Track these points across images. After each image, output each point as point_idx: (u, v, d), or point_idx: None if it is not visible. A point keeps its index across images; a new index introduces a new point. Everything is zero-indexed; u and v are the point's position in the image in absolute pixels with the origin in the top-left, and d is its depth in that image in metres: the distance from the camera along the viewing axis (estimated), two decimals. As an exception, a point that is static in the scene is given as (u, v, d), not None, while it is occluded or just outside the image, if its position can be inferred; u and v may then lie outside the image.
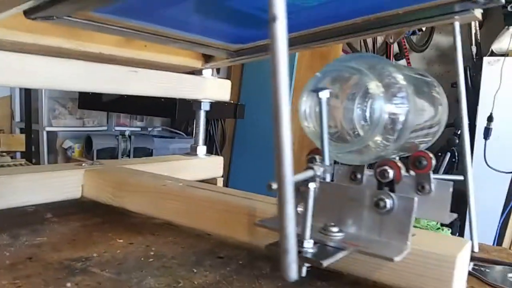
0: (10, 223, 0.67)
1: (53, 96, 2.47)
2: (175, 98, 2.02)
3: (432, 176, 0.53)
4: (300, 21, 0.69)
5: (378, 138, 0.42)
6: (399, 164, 0.45)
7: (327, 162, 0.41)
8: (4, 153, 2.21)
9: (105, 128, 2.68)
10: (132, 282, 0.50)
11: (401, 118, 0.42)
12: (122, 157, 2.24)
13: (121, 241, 0.63)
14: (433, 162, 0.52)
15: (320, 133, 0.41)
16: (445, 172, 2.99)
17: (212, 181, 1.01)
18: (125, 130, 2.53)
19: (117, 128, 2.70)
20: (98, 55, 0.75)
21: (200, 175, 0.98)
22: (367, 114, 0.42)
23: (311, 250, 0.40)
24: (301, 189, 0.43)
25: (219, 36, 0.80)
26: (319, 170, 0.40)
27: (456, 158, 3.11)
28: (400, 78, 0.42)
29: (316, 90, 0.40)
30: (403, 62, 3.71)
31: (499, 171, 1.54)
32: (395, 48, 3.75)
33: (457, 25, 0.71)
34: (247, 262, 0.58)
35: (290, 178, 0.26)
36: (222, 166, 1.04)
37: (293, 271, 0.27)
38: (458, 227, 2.63)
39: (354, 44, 3.74)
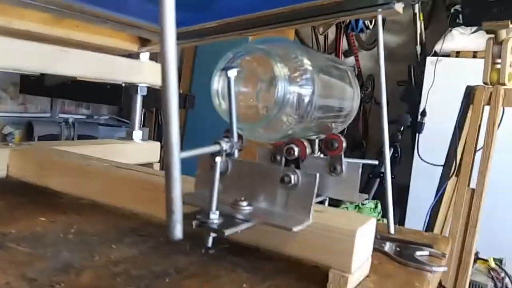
0: None
1: (-8, 80, 2.37)
2: (121, 86, 1.99)
3: (344, 158, 0.56)
4: (230, 7, 0.70)
5: (284, 117, 0.44)
6: (305, 143, 0.47)
7: (235, 138, 0.43)
8: None
9: (48, 115, 2.60)
10: (47, 256, 0.50)
11: (306, 99, 0.44)
12: (65, 144, 2.17)
13: (43, 219, 0.63)
14: (344, 145, 0.55)
15: (229, 110, 0.43)
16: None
17: (148, 166, 1.02)
18: (68, 117, 2.46)
19: (61, 115, 2.63)
20: (27, 32, 0.74)
21: (136, 159, 0.98)
22: (273, 93, 0.44)
23: (216, 221, 0.42)
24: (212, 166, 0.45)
25: (154, 18, 0.80)
26: (226, 145, 0.42)
27: (399, 153, 3.24)
28: (306, 62, 0.45)
29: (225, 69, 0.41)
30: (351, 59, 3.81)
31: (431, 163, 1.62)
32: (344, 45, 3.85)
33: (379, 18, 0.75)
34: (167, 239, 0.59)
35: (176, 143, 0.28)
36: (159, 151, 1.04)
37: (178, 231, 0.29)
38: (397, 219, 2.75)
39: (306, 40, 3.81)
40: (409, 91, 3.38)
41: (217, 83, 0.46)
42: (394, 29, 3.85)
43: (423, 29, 3.45)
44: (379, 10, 0.74)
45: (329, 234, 0.48)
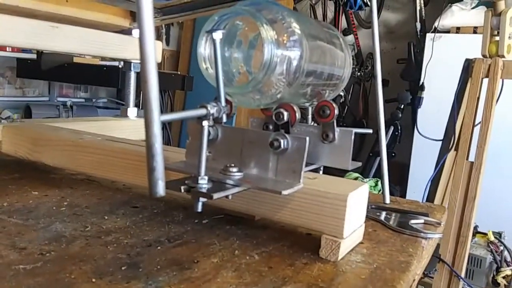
0: None
1: (-11, 65, 2.36)
2: (118, 67, 1.98)
3: (335, 125, 0.56)
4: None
5: (272, 80, 0.43)
6: (295, 108, 0.47)
7: (222, 102, 0.42)
8: None
9: (46, 98, 2.59)
10: (38, 227, 0.50)
11: (294, 62, 0.43)
12: (63, 128, 2.17)
13: (36, 193, 0.63)
14: (336, 112, 0.54)
15: (215, 74, 0.42)
16: (389, 144, 3.11)
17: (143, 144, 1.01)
18: (67, 101, 2.45)
19: (60, 99, 2.62)
20: (15, 8, 0.73)
21: (131, 136, 0.97)
22: (261, 56, 0.43)
23: (205, 186, 0.41)
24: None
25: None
26: (212, 109, 0.41)
27: (399, 131, 3.23)
28: (294, 25, 0.44)
29: (210, 31, 0.41)
30: (351, 37, 3.78)
31: (430, 138, 1.61)
32: (343, 23, 3.81)
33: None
34: (161, 211, 0.59)
35: (155, 97, 0.28)
36: (155, 128, 1.03)
37: (160, 188, 0.28)
38: (398, 195, 2.76)
39: (305, 19, 3.76)
40: (409, 69, 3.36)
41: (203, 47, 0.45)
42: (394, 7, 3.81)
43: (422, 5, 3.41)
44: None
45: (321, 200, 0.48)
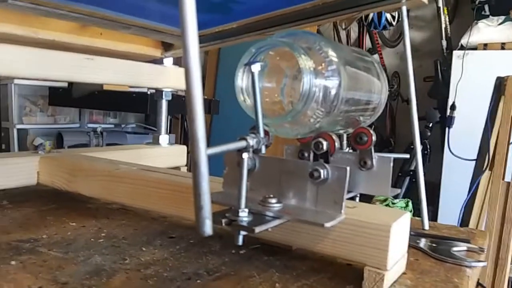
0: (-38, 211, 0.67)
1: (23, 93, 2.44)
2: (146, 94, 2.02)
3: (373, 152, 0.55)
4: (247, 7, 0.70)
5: (311, 111, 0.43)
6: (334, 136, 0.46)
7: (261, 133, 0.42)
8: (-27, 152, 2.18)
9: (77, 125, 2.65)
10: (78, 260, 0.50)
11: (332, 91, 0.43)
12: (94, 154, 2.22)
13: (73, 224, 0.63)
14: (374, 138, 0.53)
15: (254, 106, 0.42)
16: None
17: (176, 170, 1.02)
18: (97, 127, 2.50)
19: (90, 125, 2.68)
20: (52, 42, 0.75)
21: (163, 163, 0.98)
22: (299, 87, 0.43)
23: (246, 219, 0.41)
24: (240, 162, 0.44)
25: (175, 22, 0.80)
26: (252, 141, 0.41)
27: (428, 150, 3.17)
28: (331, 53, 0.43)
29: (249, 64, 0.41)
30: (375, 57, 3.76)
31: (462, 158, 1.57)
32: (368, 43, 3.80)
33: (404, 9, 0.73)
34: (198, 241, 0.59)
35: (202, 138, 0.27)
36: (185, 154, 1.04)
37: (207, 227, 0.28)
38: (430, 217, 2.68)
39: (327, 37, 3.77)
40: (436, 87, 3.31)
41: (241, 79, 0.46)
42: (418, 25, 3.79)
43: (448, 23, 3.38)
44: (403, 1, 0.73)
45: (363, 230, 0.47)
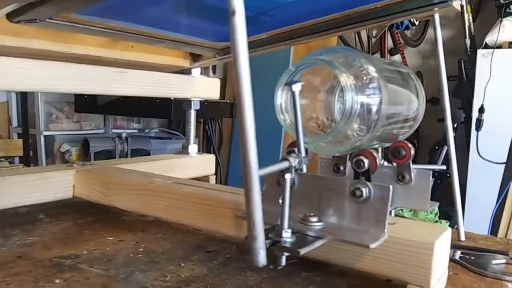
0: (2, 224, 0.68)
1: (49, 100, 2.48)
2: (170, 99, 2.04)
3: (412, 165, 0.54)
4: (278, 18, 0.70)
5: (352, 129, 0.43)
6: (375, 153, 0.46)
7: (302, 153, 0.42)
8: (2, 159, 2.23)
9: (102, 131, 2.70)
10: (119, 277, 0.51)
11: (374, 108, 0.43)
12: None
13: (111, 238, 0.64)
14: (412, 152, 0.53)
15: (295, 125, 0.42)
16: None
17: (204, 179, 1.02)
18: (122, 132, 2.54)
19: (114, 131, 2.72)
20: (85, 56, 0.76)
21: (193, 173, 0.99)
22: (340, 105, 0.43)
23: (289, 240, 0.41)
24: (280, 182, 0.44)
25: (205, 34, 0.81)
26: (294, 161, 0.41)
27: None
28: (371, 69, 0.43)
29: (289, 84, 0.41)
30: (397, 57, 3.72)
31: (492, 162, 1.54)
32: (389, 43, 3.76)
33: (437, 17, 0.72)
34: (234, 255, 0.59)
35: (254, 166, 0.27)
36: (214, 163, 1.05)
37: (261, 257, 0.28)
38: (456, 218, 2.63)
39: (349, 41, 3.75)
40: (460, 86, 3.25)
41: (280, 98, 0.46)
42: (441, 23, 3.72)
43: (471, 21, 3.32)
44: (436, 8, 0.72)
45: (405, 248, 0.46)
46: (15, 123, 2.65)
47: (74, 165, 0.79)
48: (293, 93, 0.41)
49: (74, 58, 0.77)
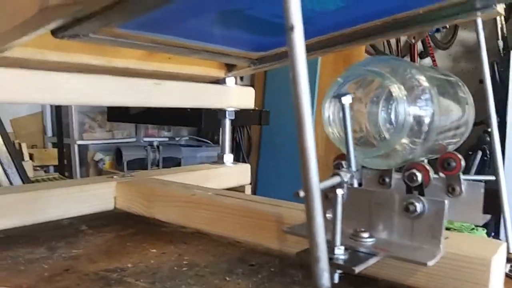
0: (46, 236, 0.69)
1: (82, 110, 2.54)
2: (200, 108, 2.05)
3: (462, 177, 0.52)
4: (319, 27, 0.69)
5: (405, 141, 0.41)
6: (427, 167, 0.44)
7: (353, 167, 0.41)
8: (38, 168, 2.28)
9: (134, 139, 2.74)
10: (166, 292, 0.51)
11: (426, 120, 0.41)
12: (151, 167, 2.28)
13: (154, 251, 0.64)
14: (463, 163, 0.51)
15: (345, 139, 0.41)
16: (477, 171, 2.92)
17: (240, 189, 1.02)
18: (153, 141, 2.57)
19: (145, 139, 2.75)
20: (124, 69, 0.77)
21: (228, 183, 0.99)
22: (392, 117, 0.41)
23: (342, 257, 0.40)
24: (329, 196, 0.44)
25: (240, 44, 0.80)
26: (346, 176, 0.40)
27: (488, 156, 3.03)
28: (422, 79, 0.42)
29: (338, 96, 0.40)
30: (427, 60, 3.65)
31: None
32: (419, 46, 3.69)
33: (479, 21, 0.70)
34: (278, 269, 0.58)
35: (316, 185, 0.27)
36: (250, 173, 1.04)
37: (325, 279, 0.27)
38: (493, 227, 2.55)
39: (377, 45, 3.70)
40: (493, 89, 3.16)
41: (328, 110, 0.45)
42: (472, 26, 3.63)
43: (503, 22, 3.23)
44: (478, 13, 0.69)
45: (460, 264, 0.45)
46: (49, 132, 2.71)
47: (115, 177, 0.80)
48: (343, 106, 0.40)
49: (113, 71, 0.78)
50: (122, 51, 0.76)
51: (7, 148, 1.68)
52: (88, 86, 0.72)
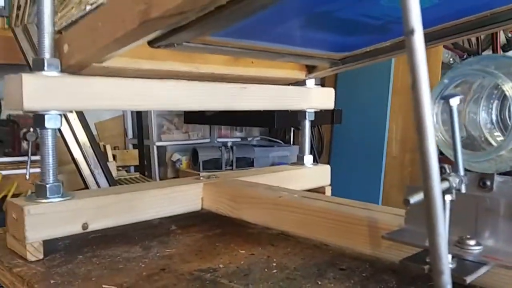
0: (140, 236, 0.73)
1: (161, 113, 2.64)
2: (272, 110, 2.06)
3: None
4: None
5: None
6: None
7: (461, 172, 0.39)
8: (120, 168, 2.41)
9: (208, 140, 2.81)
10: (260, 294, 0.51)
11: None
12: (225, 167, 2.33)
13: (243, 252, 0.66)
14: None
15: (453, 143, 0.39)
16: None
17: (320, 190, 1.01)
18: (227, 141, 2.62)
19: (219, 140, 2.82)
20: (210, 75, 0.79)
21: (309, 184, 0.98)
22: (493, 118, 0.39)
23: (450, 266, 0.38)
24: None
25: (324, 46, 0.80)
26: (454, 181, 0.38)
27: None
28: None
29: (446, 97, 0.38)
30: (511, 53, 3.42)
31: None
32: (502, 38, 3.46)
33: None
34: (370, 274, 0.57)
35: (439, 196, 0.26)
36: (330, 174, 1.03)
37: (447, 292, 0.26)
38: None
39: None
40: None
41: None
42: None
43: None
44: None
45: None
46: (130, 134, 2.86)
47: (201, 178, 0.82)
48: (450, 108, 0.38)
49: (200, 77, 0.80)
50: (209, 57, 0.78)
51: (93, 151, 1.78)
52: (182, 92, 0.74)
